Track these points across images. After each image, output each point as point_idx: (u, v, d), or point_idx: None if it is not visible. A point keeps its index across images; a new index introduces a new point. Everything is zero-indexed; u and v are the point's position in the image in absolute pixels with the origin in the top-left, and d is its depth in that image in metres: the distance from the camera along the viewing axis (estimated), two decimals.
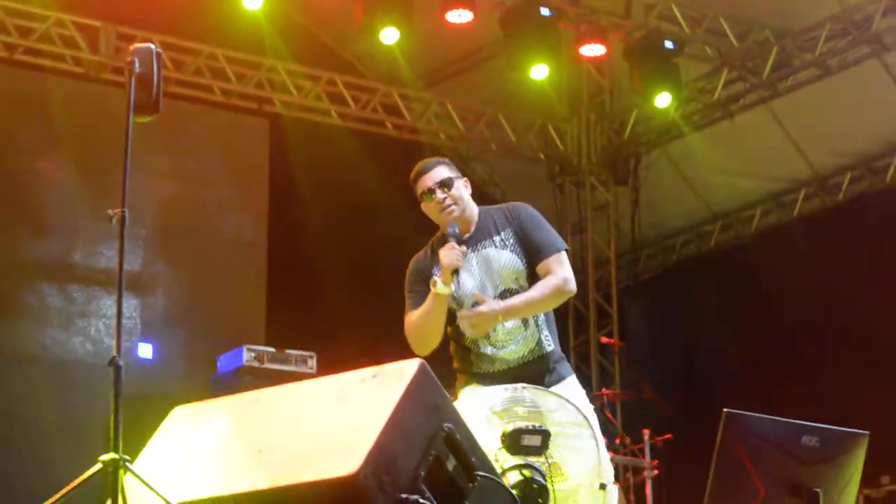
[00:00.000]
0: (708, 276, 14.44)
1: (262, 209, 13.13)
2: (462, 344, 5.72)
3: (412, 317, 5.65)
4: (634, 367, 13.16)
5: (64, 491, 4.15)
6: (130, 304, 12.04)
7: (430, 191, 5.72)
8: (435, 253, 5.67)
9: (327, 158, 13.16)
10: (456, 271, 5.52)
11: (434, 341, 5.65)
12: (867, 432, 5.15)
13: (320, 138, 13.20)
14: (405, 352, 5.48)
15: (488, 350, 5.64)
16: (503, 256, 5.68)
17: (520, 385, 5.34)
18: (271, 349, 10.84)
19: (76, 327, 11.86)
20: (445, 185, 5.72)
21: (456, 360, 5.82)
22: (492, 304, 5.54)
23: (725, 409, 4.87)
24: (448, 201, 5.70)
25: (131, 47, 4.74)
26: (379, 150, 13.40)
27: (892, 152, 13.17)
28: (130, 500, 4.10)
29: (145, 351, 12.07)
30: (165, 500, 4.04)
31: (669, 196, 14.66)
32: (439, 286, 5.51)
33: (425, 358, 4.28)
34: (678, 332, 14.42)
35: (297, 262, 12.93)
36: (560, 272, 5.65)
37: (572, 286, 5.70)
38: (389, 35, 12.00)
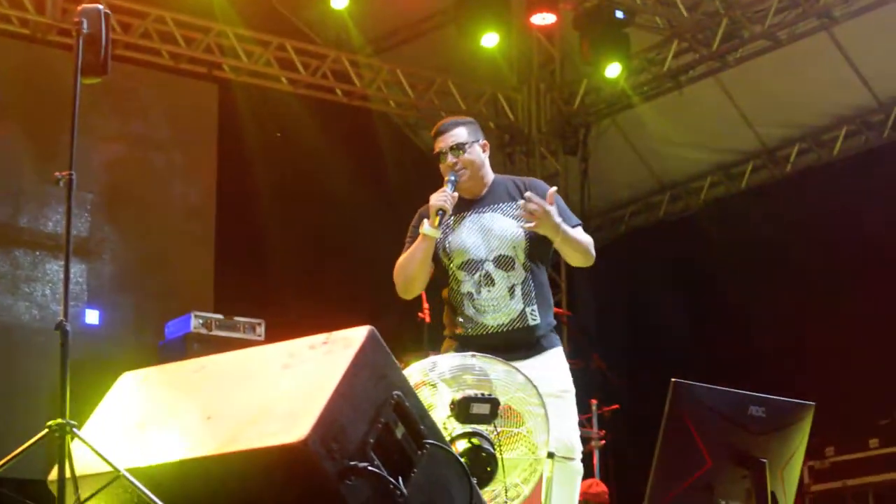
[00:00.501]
0: (657, 247, 14.49)
1: (210, 175, 13.02)
2: (452, 304, 5.79)
3: (399, 260, 5.75)
4: (583, 338, 13.20)
5: (11, 456, 4.11)
6: (77, 270, 11.92)
7: (443, 153, 5.82)
8: None
9: (277, 125, 13.11)
10: (443, 213, 5.59)
11: (417, 285, 5.76)
12: (813, 403, 5.18)
13: (270, 104, 13.13)
14: (354, 319, 5.47)
15: (471, 312, 5.70)
16: (507, 224, 5.72)
17: (468, 353, 5.34)
18: (219, 316, 10.80)
19: (22, 292, 11.74)
20: (459, 148, 5.80)
21: (446, 324, 5.91)
22: (556, 215, 5.57)
23: (673, 380, 4.89)
24: (458, 165, 5.78)
25: (79, 8, 4.67)
26: (329, 117, 13.37)
27: (839, 125, 13.27)
28: (78, 466, 4.08)
29: (92, 317, 11.96)
30: (113, 465, 4.01)
31: (619, 166, 14.69)
32: (425, 227, 5.60)
33: (377, 328, 4.26)
34: (627, 303, 14.48)
35: (245, 229, 12.87)
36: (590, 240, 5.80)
37: (594, 255, 5.82)
38: (339, 0, 11.96)
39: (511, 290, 5.70)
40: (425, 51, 13.85)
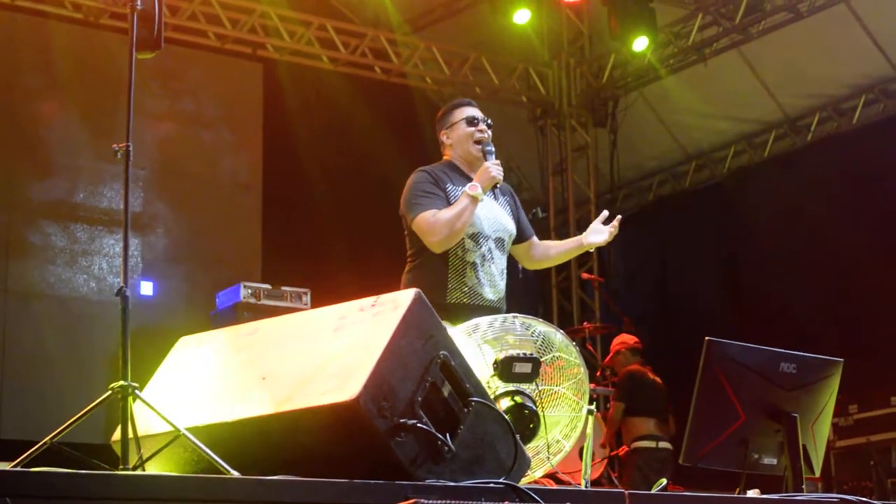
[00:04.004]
0: (683, 214, 14.44)
1: (257, 150, 13.07)
2: (447, 271, 5.68)
3: (443, 213, 5.59)
4: (614, 302, 13.17)
5: (77, 417, 4.10)
6: (132, 243, 11.77)
7: (476, 120, 5.86)
8: (448, 174, 5.77)
9: (319, 101, 13.12)
10: (495, 187, 5.70)
11: (455, 240, 5.63)
12: (841, 360, 5.15)
13: (312, 82, 13.14)
14: (396, 287, 5.45)
15: (473, 282, 5.65)
16: (504, 214, 5.86)
17: (510, 315, 5.32)
18: (267, 286, 10.80)
19: (80, 266, 11.79)
20: (489, 125, 5.90)
21: (428, 292, 5.77)
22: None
23: (707, 338, 4.86)
24: (487, 136, 5.83)
25: None
26: (369, 93, 13.37)
27: (858, 94, 13.16)
28: (140, 427, 4.07)
29: (146, 288, 12.01)
30: (174, 425, 4.00)
31: (646, 137, 14.63)
32: (479, 191, 5.59)
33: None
34: (655, 268, 14.45)
35: (291, 202, 12.91)
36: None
37: None
38: None
39: (502, 271, 5.80)
40: (460, 28, 13.81)
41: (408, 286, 5.58)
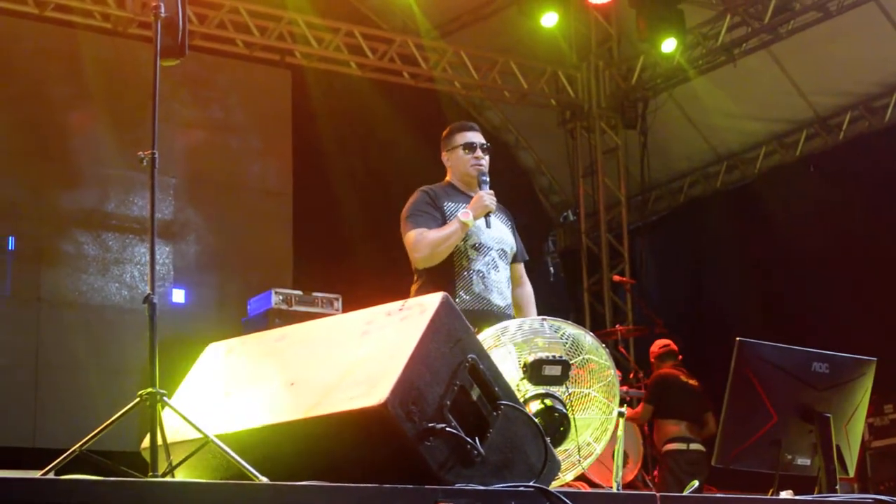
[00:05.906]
0: (715, 216, 14.38)
1: (286, 157, 13.08)
2: (454, 280, 5.93)
3: (430, 234, 5.92)
4: (646, 304, 13.13)
5: (105, 424, 4.10)
6: (163, 251, 12.02)
7: (474, 146, 6.13)
8: (448, 193, 6.10)
9: (348, 107, 13.14)
10: (488, 214, 5.92)
11: (440, 259, 5.93)
12: (875, 359, 5.12)
13: (341, 88, 13.16)
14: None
15: (479, 289, 5.93)
16: (504, 229, 6.13)
17: (539, 317, 5.33)
18: (298, 292, 10.82)
19: (111, 274, 11.84)
20: (487, 150, 6.18)
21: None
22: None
23: (738, 338, 4.84)
24: (483, 162, 6.10)
25: None
26: (397, 99, 13.37)
27: (890, 92, 13.07)
28: (169, 434, 4.07)
29: (178, 296, 12.06)
30: (202, 432, 4.00)
31: (676, 138, 14.58)
32: (470, 218, 5.87)
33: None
34: (687, 270, 14.39)
35: (321, 208, 12.90)
36: (529, 283, 6.34)
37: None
38: None
39: (507, 280, 6.07)
40: (488, 33, 13.80)
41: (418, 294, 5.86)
